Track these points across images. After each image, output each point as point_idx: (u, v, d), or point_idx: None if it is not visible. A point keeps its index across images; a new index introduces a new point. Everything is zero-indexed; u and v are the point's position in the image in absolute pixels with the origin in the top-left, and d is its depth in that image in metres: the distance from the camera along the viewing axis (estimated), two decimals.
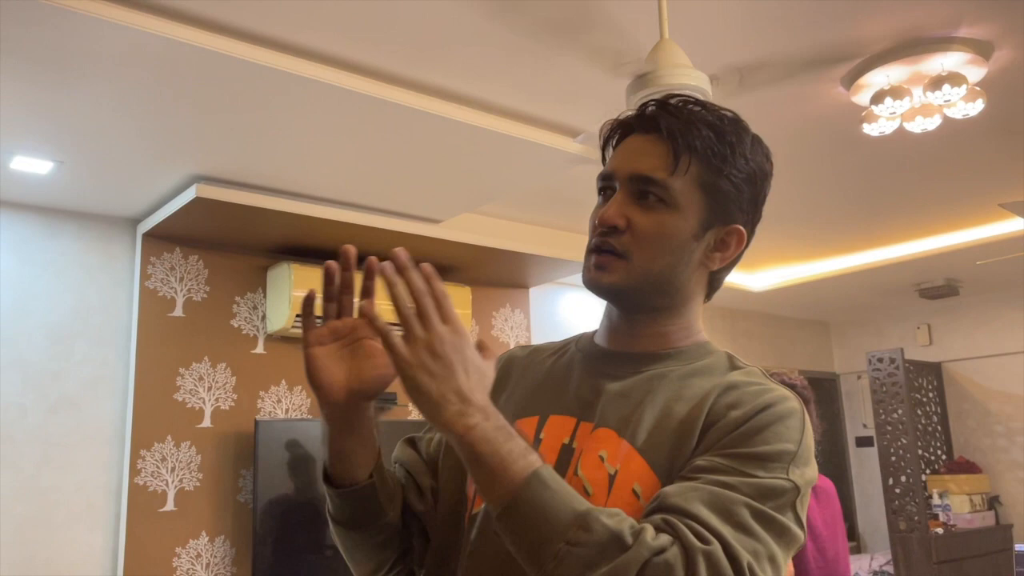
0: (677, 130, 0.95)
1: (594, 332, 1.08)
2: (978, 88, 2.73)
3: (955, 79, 2.63)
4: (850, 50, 2.63)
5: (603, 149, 1.04)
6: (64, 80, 2.44)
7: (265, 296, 3.81)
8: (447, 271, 4.22)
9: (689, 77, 2.11)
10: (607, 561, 0.74)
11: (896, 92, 2.70)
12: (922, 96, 2.73)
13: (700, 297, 1.04)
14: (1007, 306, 6.16)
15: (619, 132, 1.01)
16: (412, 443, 1.11)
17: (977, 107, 2.75)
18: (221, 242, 3.68)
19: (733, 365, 1.00)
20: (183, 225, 3.44)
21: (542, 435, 0.95)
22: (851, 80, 2.78)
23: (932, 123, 2.85)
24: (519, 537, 0.78)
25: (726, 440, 0.86)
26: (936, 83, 2.64)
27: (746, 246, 1.02)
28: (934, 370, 6.45)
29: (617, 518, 0.78)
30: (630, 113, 1.00)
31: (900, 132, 2.93)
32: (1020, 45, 2.62)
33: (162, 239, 3.58)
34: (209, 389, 3.59)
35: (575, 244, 4.46)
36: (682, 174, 0.94)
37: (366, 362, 0.93)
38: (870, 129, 2.90)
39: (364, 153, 3.10)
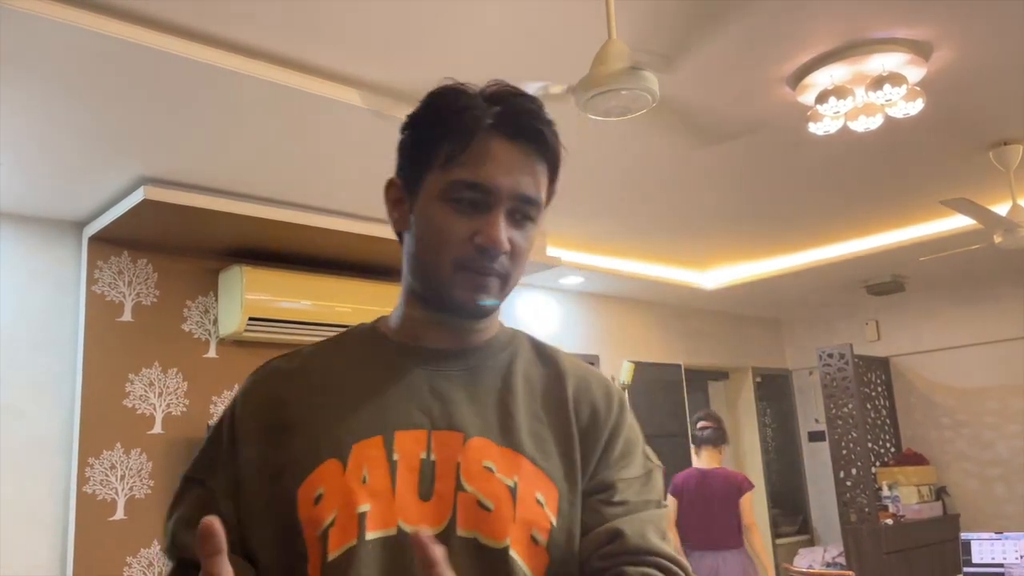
0: (555, 149, 0.91)
1: (377, 329, 0.98)
2: (918, 88, 2.80)
3: (895, 79, 2.70)
4: (794, 51, 2.68)
5: (443, 132, 0.89)
6: (3, 80, 2.38)
7: (217, 300, 3.75)
8: (396, 273, 4.20)
9: (639, 78, 2.13)
10: None
11: (840, 92, 2.77)
12: (864, 96, 2.79)
13: None
14: (951, 301, 6.33)
15: (479, 127, 0.89)
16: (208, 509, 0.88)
17: (917, 106, 2.83)
18: (171, 245, 3.62)
19: (535, 343, 1.01)
20: (131, 228, 3.38)
21: (395, 456, 0.85)
22: (796, 80, 2.83)
23: (875, 122, 2.92)
24: None
25: (615, 455, 0.93)
26: (877, 83, 2.71)
27: None
28: (882, 365, 6.60)
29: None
30: (495, 110, 0.89)
31: (844, 131, 3.00)
32: (958, 46, 2.70)
33: (109, 242, 3.51)
34: (160, 395, 3.53)
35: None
36: (544, 188, 0.92)
37: None
38: (816, 128, 2.96)
39: (314, 153, 3.07)
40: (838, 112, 2.83)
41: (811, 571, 4.48)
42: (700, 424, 4.41)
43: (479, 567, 0.82)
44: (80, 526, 3.24)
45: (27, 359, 3.34)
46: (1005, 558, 3.94)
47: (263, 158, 3.09)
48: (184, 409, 3.58)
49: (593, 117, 2.21)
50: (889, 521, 5.59)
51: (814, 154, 3.59)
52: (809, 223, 4.73)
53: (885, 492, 5.84)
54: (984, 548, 3.99)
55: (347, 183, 3.38)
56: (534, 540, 0.84)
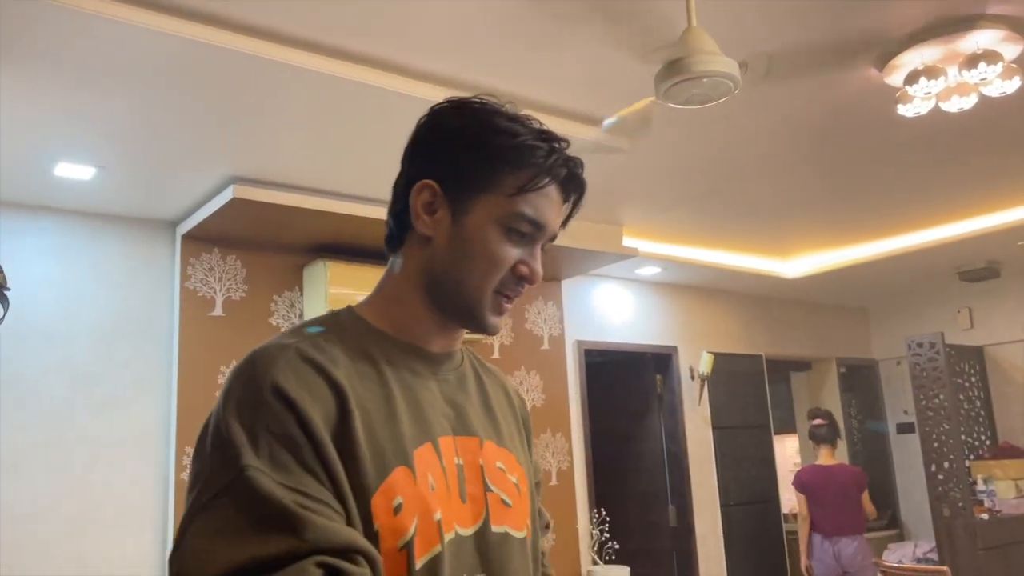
0: (579, 205, 1.00)
1: (366, 322, 0.95)
2: (1014, 65, 2.68)
3: (991, 57, 2.58)
4: (882, 31, 2.60)
5: (522, 165, 0.92)
6: (104, 87, 2.50)
7: (302, 294, 3.86)
8: None
9: (719, 64, 2.10)
10: None
11: (931, 72, 2.67)
12: (957, 75, 2.69)
13: None
14: None
15: (551, 178, 0.94)
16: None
17: (1014, 84, 2.70)
18: (258, 242, 3.74)
19: (482, 363, 1.09)
20: (221, 226, 3.51)
21: (444, 462, 0.89)
22: (884, 61, 2.74)
23: (968, 102, 2.81)
24: None
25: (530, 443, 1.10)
26: (971, 61, 2.60)
27: None
28: (976, 354, 6.33)
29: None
30: (562, 162, 0.94)
31: (936, 112, 2.89)
32: None
33: (201, 240, 3.65)
34: None
35: (606, 236, 4.46)
36: None
37: None
38: (905, 110, 2.86)
39: (394, 150, 3.12)
40: (929, 93, 2.73)
41: (902, 566, 4.35)
42: (815, 422, 4.94)
43: (512, 555, 0.93)
44: (179, 512, 3.39)
45: (129, 354, 3.51)
46: None
47: (346, 156, 3.16)
48: None
49: (674, 106, 2.19)
50: (985, 516, 5.37)
51: (902, 137, 3.47)
52: (897, 208, 4.57)
53: (980, 486, 5.61)
54: None
55: None
56: (530, 526, 0.98)
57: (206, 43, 2.28)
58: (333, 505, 0.77)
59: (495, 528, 0.91)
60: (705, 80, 2.04)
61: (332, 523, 0.75)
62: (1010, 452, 5.90)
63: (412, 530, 0.82)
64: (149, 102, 2.62)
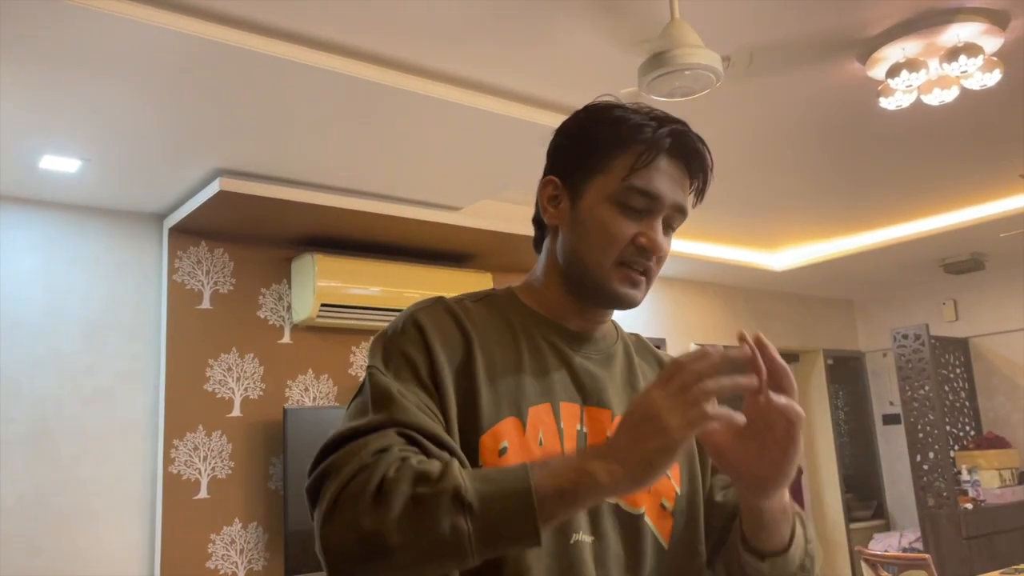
0: (706, 168, 1.02)
1: (519, 299, 1.05)
2: (995, 58, 2.71)
3: (971, 50, 2.61)
4: (864, 24, 2.62)
5: (627, 144, 0.98)
6: (89, 79, 2.50)
7: (290, 287, 3.87)
8: (467, 258, 4.26)
9: (701, 56, 2.12)
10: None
11: (912, 64, 2.69)
12: (939, 68, 2.71)
13: None
14: None
15: (659, 149, 0.98)
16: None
17: (994, 77, 2.73)
18: (245, 234, 3.74)
19: (628, 333, 1.15)
20: (208, 219, 3.51)
21: (562, 424, 0.97)
22: (866, 54, 2.77)
23: (950, 95, 2.84)
24: (789, 563, 0.96)
25: None
26: (952, 54, 2.63)
27: None
28: (961, 345, 6.39)
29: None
30: (666, 132, 0.98)
31: (918, 105, 2.92)
32: None
33: (188, 233, 3.65)
34: (238, 379, 3.66)
35: None
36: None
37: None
38: (887, 103, 2.89)
39: (383, 143, 3.14)
40: (911, 86, 2.75)
41: (887, 554, 4.40)
42: None
43: (620, 527, 0.96)
44: (167, 505, 3.40)
45: (116, 347, 3.51)
46: None
47: (334, 149, 3.17)
48: (261, 393, 3.71)
49: (656, 98, 2.21)
50: (969, 506, 5.43)
51: (886, 130, 3.50)
52: (882, 201, 4.60)
53: (964, 476, 5.67)
54: None
55: (416, 172, 3.44)
56: (663, 507, 0.99)
57: (193, 35, 2.29)
58: (435, 411, 0.90)
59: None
60: (687, 73, 2.06)
61: (424, 416, 0.88)
62: (994, 442, 5.96)
63: None
64: (135, 94, 2.62)
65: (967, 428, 6.16)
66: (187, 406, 3.52)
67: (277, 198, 3.31)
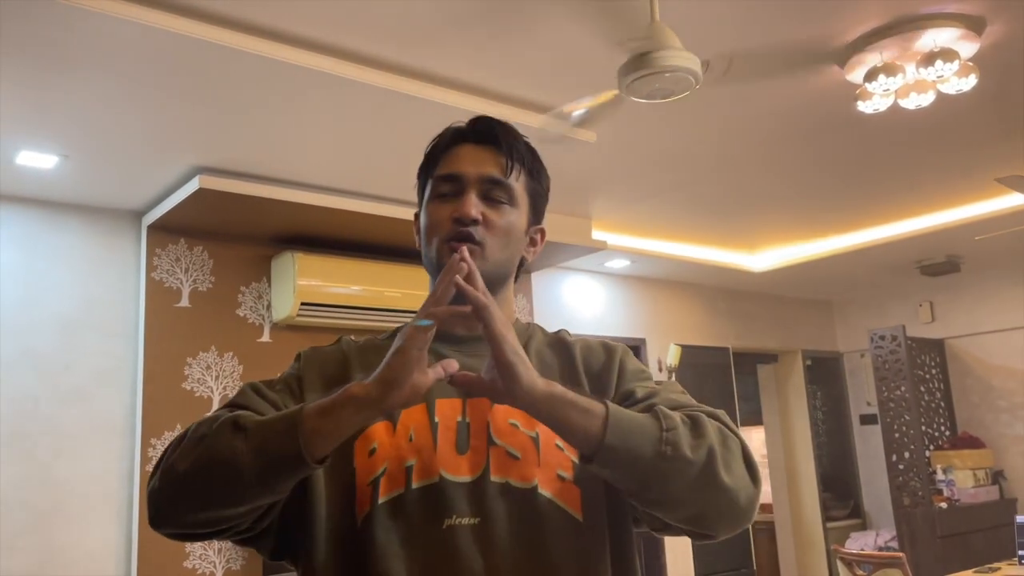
0: (511, 142, 1.11)
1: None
2: (971, 63, 2.74)
3: (948, 55, 2.64)
4: (843, 28, 2.65)
5: (433, 154, 1.14)
6: (68, 75, 2.48)
7: (270, 285, 3.85)
8: None
9: (681, 59, 2.14)
10: (692, 431, 0.94)
11: (889, 69, 2.72)
12: (915, 72, 2.74)
13: (513, 283, 1.18)
14: (1008, 281, 6.17)
15: (452, 141, 1.13)
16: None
17: (970, 82, 2.77)
18: (225, 232, 3.72)
19: (558, 336, 1.17)
20: (187, 216, 3.49)
21: (436, 418, 1.02)
22: (844, 58, 2.79)
23: (926, 99, 2.87)
24: (627, 453, 0.90)
25: (627, 381, 1.09)
26: (929, 59, 2.66)
27: (542, 245, 1.20)
28: (936, 347, 6.47)
29: (662, 407, 0.97)
30: (461, 124, 1.14)
31: (895, 109, 2.95)
32: (1012, 20, 2.64)
33: (167, 231, 3.62)
34: (217, 378, 3.64)
35: (576, 229, 4.49)
36: (516, 179, 1.11)
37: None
38: (864, 107, 2.92)
39: (364, 141, 3.13)
40: (888, 90, 2.78)
41: (862, 553, 4.45)
42: None
43: (512, 504, 0.98)
44: (144, 504, 3.37)
45: (93, 345, 3.48)
46: None
47: (315, 146, 3.16)
48: None
49: (637, 100, 2.22)
50: (943, 505, 5.50)
51: (865, 133, 3.54)
52: (861, 203, 4.65)
53: (940, 476, 5.74)
54: None
55: (396, 170, 3.44)
56: (560, 478, 1.01)
57: (173, 32, 2.27)
58: (287, 405, 1.01)
59: (494, 478, 0.98)
60: (667, 75, 2.08)
61: (259, 400, 1.02)
62: (969, 442, 6.04)
63: (381, 471, 0.98)
64: (113, 90, 2.60)
65: (942, 428, 6.24)
66: (165, 405, 3.50)
67: (257, 196, 3.30)
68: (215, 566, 3.47)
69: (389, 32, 2.49)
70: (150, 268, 3.58)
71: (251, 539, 1.00)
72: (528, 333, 1.16)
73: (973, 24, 2.63)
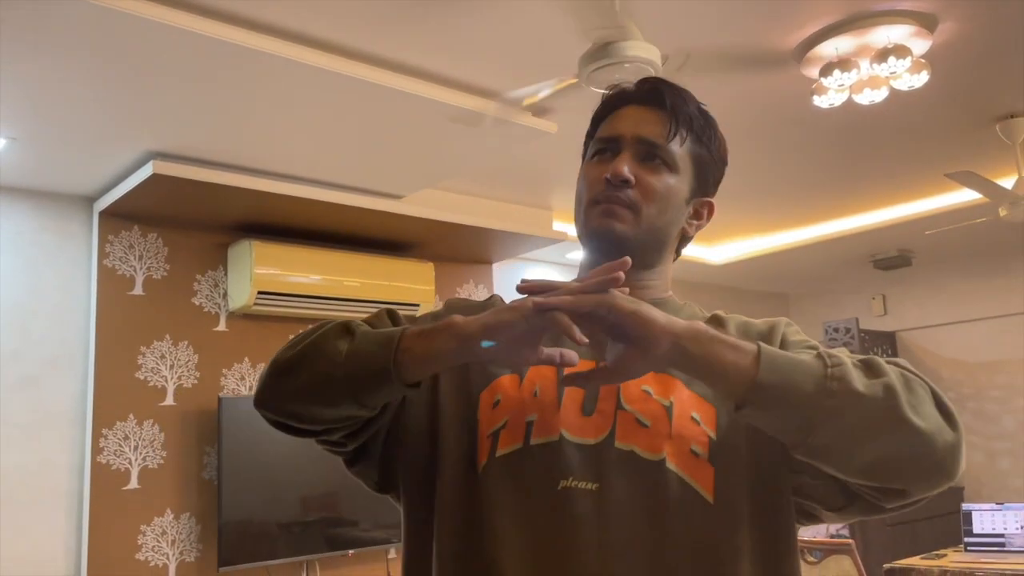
0: (677, 104, 1.05)
1: None
2: (923, 60, 2.80)
3: (900, 51, 2.69)
4: (799, 23, 2.69)
5: (599, 115, 1.10)
6: (16, 55, 2.41)
7: (226, 274, 3.79)
8: (409, 247, 4.23)
9: (641, 50, 2.15)
10: (864, 369, 0.86)
11: (844, 64, 2.77)
12: (869, 68, 2.79)
13: (672, 258, 1.13)
14: (958, 275, 6.33)
15: (618, 102, 1.08)
16: None
17: (922, 79, 2.83)
18: (180, 219, 3.66)
19: (714, 315, 1.11)
20: (141, 203, 3.42)
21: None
22: (801, 53, 2.83)
23: (879, 95, 2.92)
24: (785, 390, 0.82)
25: (793, 348, 0.99)
26: (882, 55, 2.71)
27: (708, 220, 1.13)
28: (888, 339, 6.62)
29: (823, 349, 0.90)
30: (629, 85, 1.09)
31: (849, 105, 3.00)
32: (963, 18, 2.69)
33: (120, 217, 3.55)
34: (171, 367, 3.59)
35: (538, 220, 4.50)
36: (679, 144, 1.05)
37: None
38: (820, 101, 2.96)
39: (323, 128, 3.10)
40: (842, 85, 2.83)
41: (814, 540, 4.53)
42: None
43: (634, 474, 0.91)
44: (95, 495, 3.31)
45: (42, 333, 3.40)
46: (1006, 528, 3.98)
47: (272, 133, 3.12)
48: (195, 381, 3.63)
49: (596, 90, 2.23)
50: None
51: (820, 129, 3.59)
52: (816, 198, 4.73)
53: None
54: (985, 519, 4.03)
55: (357, 159, 3.41)
56: (694, 453, 0.92)
57: (127, 12, 2.22)
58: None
59: (619, 445, 0.93)
60: (627, 65, 2.09)
61: (390, 324, 1.01)
62: None
63: (501, 423, 0.96)
64: (65, 72, 2.54)
65: None
66: (117, 394, 3.43)
67: (213, 182, 3.24)
68: (168, 558, 3.42)
69: (349, 17, 2.47)
70: (102, 255, 3.50)
71: (350, 462, 1.04)
72: (685, 311, 1.10)
73: (925, 21, 2.68)
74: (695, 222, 1.10)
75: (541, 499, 0.91)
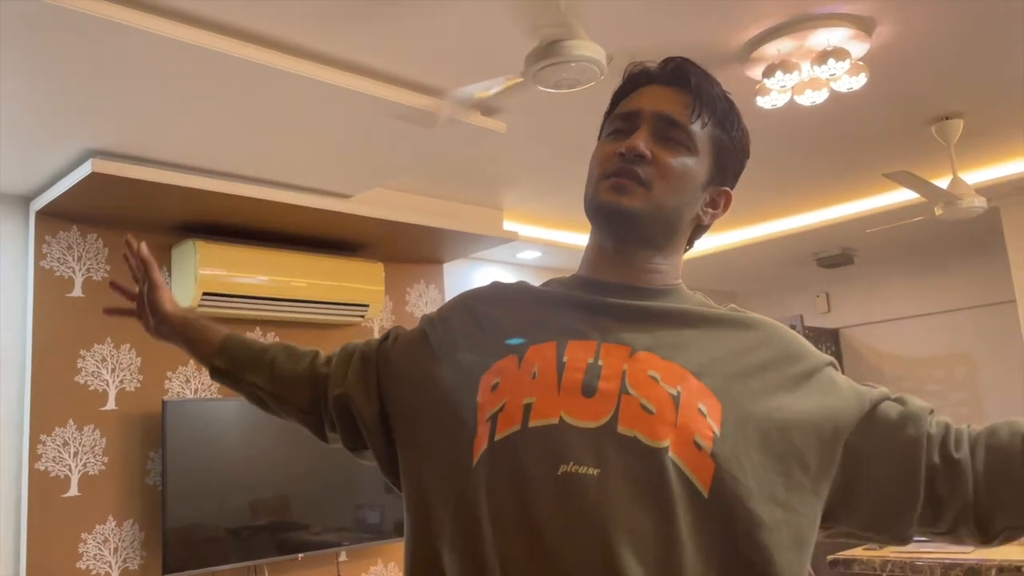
0: (702, 85, 1.03)
1: (570, 277, 1.10)
2: (861, 63, 2.87)
3: (839, 54, 2.76)
4: (742, 25, 2.73)
5: (619, 93, 1.09)
6: None
7: (170, 275, 3.72)
8: (359, 247, 4.20)
9: (587, 49, 2.16)
10: None
11: (786, 65, 2.83)
12: (810, 70, 2.86)
13: (684, 245, 1.10)
14: (899, 273, 6.50)
15: (640, 80, 1.07)
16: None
17: (860, 81, 2.90)
18: (121, 219, 3.57)
19: (735, 310, 1.10)
20: (79, 202, 3.32)
21: (565, 358, 0.95)
22: (746, 54, 2.88)
23: (820, 96, 2.99)
24: None
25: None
26: (822, 57, 2.77)
27: (724, 211, 1.10)
28: (832, 336, 6.77)
29: None
30: (652, 64, 1.07)
31: (792, 106, 3.07)
32: (899, 21, 2.77)
33: (58, 217, 3.45)
34: (113, 371, 3.50)
35: (487, 219, 4.50)
36: (700, 126, 1.02)
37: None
38: (764, 102, 3.02)
39: (269, 126, 3.05)
40: (785, 86, 2.89)
41: None
42: None
43: (636, 461, 0.87)
44: (33, 503, 3.21)
45: None
46: None
47: (216, 131, 3.06)
48: (138, 385, 3.55)
49: (543, 89, 2.24)
50: None
51: (764, 129, 3.66)
52: (761, 197, 4.81)
53: None
54: None
55: (303, 157, 3.36)
56: (696, 445, 0.88)
57: (63, 6, 2.16)
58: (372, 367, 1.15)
59: (622, 430, 0.89)
60: (573, 64, 2.10)
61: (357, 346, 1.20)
62: None
63: (499, 406, 0.93)
64: None
65: None
66: (56, 399, 3.34)
67: (154, 181, 3.17)
68: (111, 566, 3.34)
69: (294, 14, 2.43)
70: (39, 256, 3.40)
71: (351, 451, 1.17)
72: (696, 300, 1.08)
73: (863, 25, 2.75)
74: (711, 211, 1.08)
75: (542, 484, 0.87)
